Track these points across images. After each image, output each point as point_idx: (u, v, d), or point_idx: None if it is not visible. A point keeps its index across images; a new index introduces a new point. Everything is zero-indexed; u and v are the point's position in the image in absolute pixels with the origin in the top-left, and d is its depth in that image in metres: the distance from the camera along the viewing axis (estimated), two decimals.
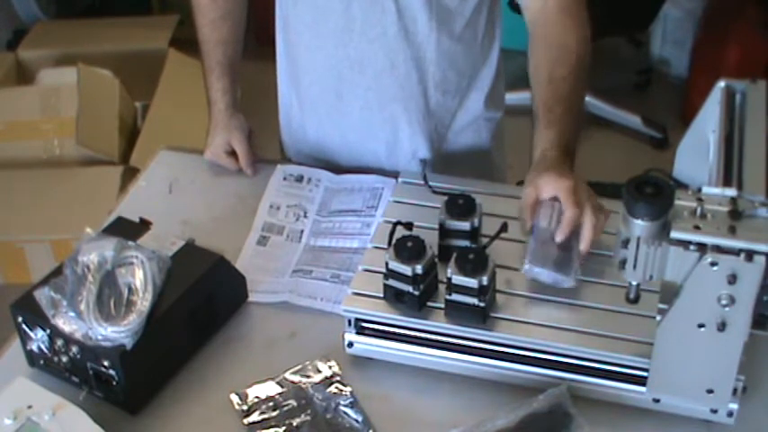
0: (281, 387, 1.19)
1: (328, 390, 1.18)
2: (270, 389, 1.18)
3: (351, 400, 1.16)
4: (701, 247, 0.98)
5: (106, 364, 1.13)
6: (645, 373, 1.10)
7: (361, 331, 1.20)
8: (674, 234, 0.98)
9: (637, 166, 1.33)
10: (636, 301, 1.09)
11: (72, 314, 1.13)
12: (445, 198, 1.26)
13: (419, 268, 1.13)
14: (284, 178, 1.53)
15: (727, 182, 1.09)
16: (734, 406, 1.09)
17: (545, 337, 1.13)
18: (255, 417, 1.15)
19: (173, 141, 1.72)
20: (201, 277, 1.23)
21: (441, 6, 1.39)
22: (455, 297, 1.13)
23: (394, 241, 1.17)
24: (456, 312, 1.15)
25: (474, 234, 1.23)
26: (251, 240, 1.43)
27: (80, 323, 1.12)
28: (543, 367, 1.15)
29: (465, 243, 1.23)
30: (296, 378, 1.19)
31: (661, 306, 1.06)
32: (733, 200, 1.00)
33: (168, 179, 1.59)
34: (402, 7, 1.38)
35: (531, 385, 1.15)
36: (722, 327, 1.01)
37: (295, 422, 1.14)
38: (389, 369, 1.21)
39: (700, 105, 1.27)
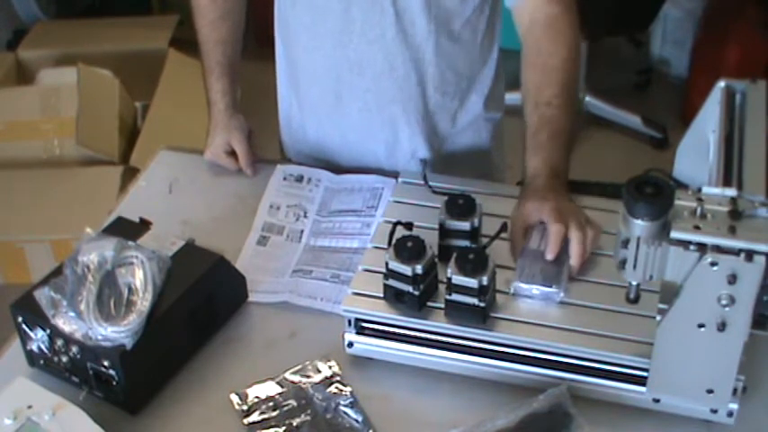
0: (281, 387, 1.19)
1: (328, 390, 1.18)
2: (270, 389, 1.18)
3: (351, 400, 1.16)
4: (701, 247, 0.98)
5: (106, 364, 1.13)
6: (645, 373, 1.10)
7: (361, 331, 1.20)
8: (674, 234, 0.98)
9: (637, 166, 1.33)
10: (636, 301, 1.09)
11: (72, 314, 1.13)
12: (445, 198, 1.26)
13: (419, 268, 1.13)
14: (284, 178, 1.53)
15: (727, 182, 1.09)
16: (734, 406, 1.09)
17: (545, 337, 1.13)
18: (255, 417, 1.15)
19: (173, 141, 1.72)
20: (201, 277, 1.23)
21: (440, 8, 1.39)
22: (455, 297, 1.13)
23: (394, 241, 1.17)
24: (456, 312, 1.15)
25: (474, 234, 1.23)
26: (251, 240, 1.43)
27: (80, 323, 1.12)
28: (543, 367, 1.15)
29: (465, 243, 1.23)
30: (296, 378, 1.19)
31: (661, 306, 1.06)
32: (733, 200, 1.00)
33: (168, 179, 1.59)
34: (401, 9, 1.38)
35: (531, 385, 1.15)
36: (722, 327, 1.01)
37: (295, 422, 1.14)
38: (389, 369, 1.21)
39: (700, 105, 1.27)
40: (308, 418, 1.14)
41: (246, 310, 1.32)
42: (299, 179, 1.52)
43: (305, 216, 1.46)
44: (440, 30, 1.41)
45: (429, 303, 1.17)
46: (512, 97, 1.46)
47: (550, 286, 1.17)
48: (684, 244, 0.98)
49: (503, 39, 1.52)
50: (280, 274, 1.37)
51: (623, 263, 1.04)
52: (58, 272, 1.20)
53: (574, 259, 1.19)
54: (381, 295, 1.18)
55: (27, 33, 3.41)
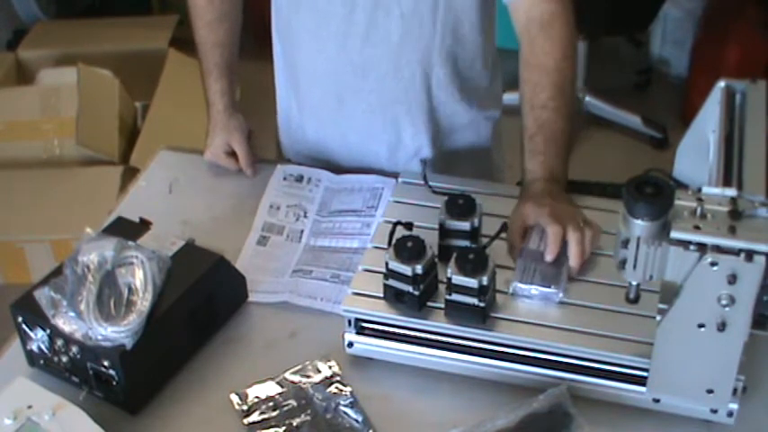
0: (281, 387, 1.19)
1: (328, 390, 1.18)
2: (270, 389, 1.18)
3: (351, 400, 1.16)
4: (701, 247, 0.97)
5: (106, 364, 1.13)
6: (645, 373, 1.10)
7: (361, 331, 1.20)
8: (674, 234, 0.98)
9: (637, 166, 1.33)
10: (636, 301, 1.09)
11: (72, 314, 1.13)
12: (445, 198, 1.26)
13: (419, 268, 1.13)
14: (284, 178, 1.53)
15: (727, 182, 1.09)
16: (734, 406, 1.09)
17: (545, 337, 1.13)
18: (255, 417, 1.15)
19: (173, 141, 1.72)
20: (201, 277, 1.23)
21: (447, 8, 1.39)
22: (455, 297, 1.13)
23: (394, 241, 1.17)
24: (456, 312, 1.15)
25: (474, 234, 1.23)
26: (251, 240, 1.43)
27: (80, 323, 1.12)
28: (543, 367, 1.15)
29: (465, 243, 1.23)
30: (296, 378, 1.19)
31: (661, 306, 1.06)
32: (733, 200, 1.00)
33: (168, 179, 1.59)
34: (407, 11, 1.38)
35: (531, 385, 1.15)
36: (722, 327, 1.01)
37: (295, 422, 1.14)
38: (389, 369, 1.21)
39: (700, 105, 1.27)
40: (308, 418, 1.14)
41: (246, 310, 1.32)
42: (299, 179, 1.52)
43: (305, 216, 1.46)
44: (445, 30, 1.42)
45: (429, 303, 1.17)
46: (511, 97, 1.46)
47: (549, 287, 1.17)
48: (684, 244, 0.98)
49: (503, 39, 1.52)
50: (280, 274, 1.37)
51: (623, 263, 1.04)
52: (58, 272, 1.20)
53: (573, 260, 1.19)
54: (381, 295, 1.18)
55: (27, 33, 3.41)
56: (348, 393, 1.17)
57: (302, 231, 1.44)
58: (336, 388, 1.18)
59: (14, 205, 2.60)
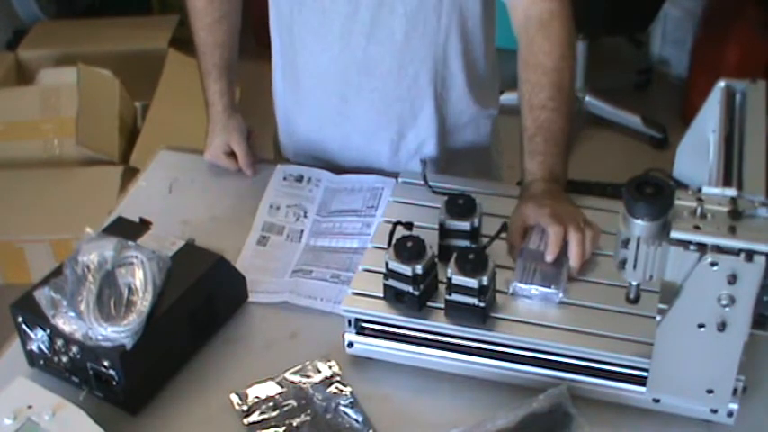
0: (281, 387, 1.19)
1: (328, 390, 1.18)
2: (270, 389, 1.18)
3: (351, 400, 1.16)
4: (701, 247, 0.97)
5: (106, 364, 1.13)
6: (645, 373, 1.10)
7: (361, 331, 1.20)
8: (674, 234, 0.98)
9: (637, 166, 1.33)
10: (636, 301, 1.09)
11: (72, 314, 1.13)
12: (445, 198, 1.26)
13: (419, 268, 1.13)
14: (284, 178, 1.53)
15: (727, 182, 1.09)
16: (734, 406, 1.09)
17: (545, 337, 1.13)
18: (255, 417, 1.15)
19: (173, 141, 1.72)
20: (201, 277, 1.23)
21: (451, 6, 1.39)
22: (455, 297, 1.13)
23: (394, 241, 1.17)
24: (456, 312, 1.15)
25: (474, 234, 1.23)
26: (251, 240, 1.43)
27: (80, 323, 1.12)
28: (543, 367, 1.15)
29: (465, 243, 1.23)
30: (296, 378, 1.19)
31: (661, 306, 1.06)
32: (733, 200, 1.00)
33: (168, 179, 1.59)
34: (411, 9, 1.38)
35: (531, 385, 1.15)
36: (722, 327, 1.01)
37: (295, 422, 1.14)
38: (389, 369, 1.21)
39: (700, 105, 1.27)
40: (308, 418, 1.14)
41: (246, 310, 1.32)
42: (299, 179, 1.52)
43: (305, 216, 1.46)
44: (450, 27, 1.42)
45: (429, 303, 1.17)
46: (510, 97, 1.46)
47: (549, 287, 1.17)
48: (684, 244, 0.98)
49: (502, 39, 1.52)
50: (280, 274, 1.37)
51: (623, 263, 1.04)
52: (58, 272, 1.20)
53: (573, 260, 1.19)
54: (381, 295, 1.18)
55: (27, 33, 3.41)
56: (348, 393, 1.17)
57: (302, 231, 1.44)
58: (336, 388, 1.18)
59: (14, 205, 2.60)
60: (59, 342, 1.16)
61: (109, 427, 1.08)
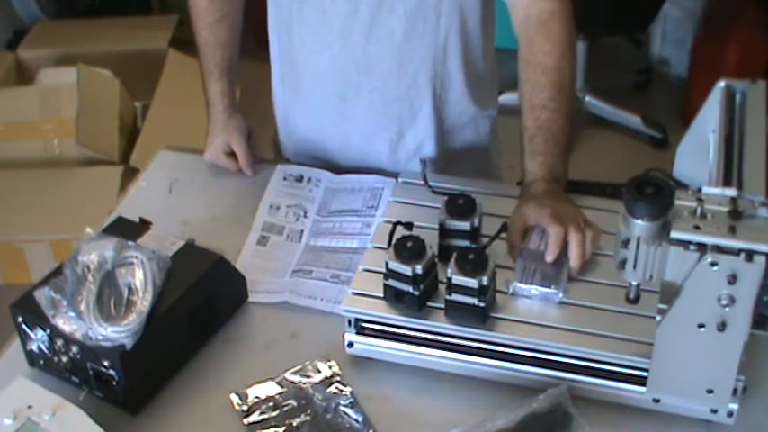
0: (281, 387, 1.19)
1: (328, 390, 1.18)
2: (270, 389, 1.18)
3: (351, 400, 1.16)
4: (701, 247, 0.97)
5: (106, 364, 1.13)
6: (645, 373, 1.10)
7: (361, 331, 1.20)
8: (674, 234, 0.98)
9: (637, 166, 1.33)
10: (636, 301, 1.09)
11: (72, 314, 1.13)
12: (445, 198, 1.26)
13: (419, 268, 1.13)
14: (284, 178, 1.53)
15: (727, 182, 1.09)
16: (734, 406, 1.09)
17: (545, 337, 1.13)
18: (255, 417, 1.15)
19: (173, 141, 1.72)
20: (201, 277, 1.23)
21: (451, 6, 1.40)
22: (455, 297, 1.13)
23: (394, 241, 1.17)
24: (456, 312, 1.15)
25: (474, 234, 1.23)
26: (251, 240, 1.43)
27: (80, 323, 1.12)
28: (543, 367, 1.15)
29: (465, 243, 1.23)
30: (296, 378, 1.19)
31: (661, 306, 1.06)
32: (733, 200, 1.00)
33: (168, 179, 1.59)
34: (410, 8, 1.38)
35: (531, 385, 1.15)
36: (722, 327, 1.01)
37: (295, 422, 1.14)
38: (389, 369, 1.21)
39: (700, 105, 1.27)
40: (308, 418, 1.14)
41: (246, 310, 1.32)
42: (299, 179, 1.53)
43: (305, 216, 1.46)
44: (450, 27, 1.42)
45: (429, 303, 1.17)
46: (510, 97, 1.46)
47: (549, 287, 1.17)
48: (684, 244, 0.98)
49: (502, 39, 1.53)
50: (280, 274, 1.37)
51: (623, 263, 1.04)
52: (58, 272, 1.20)
53: (573, 261, 1.19)
54: (381, 295, 1.18)
55: (27, 33, 3.41)
56: (348, 393, 1.17)
57: (302, 231, 1.44)
58: (336, 388, 1.18)
59: (14, 205, 2.60)
60: (59, 342, 1.16)
61: (109, 427, 1.08)
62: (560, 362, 1.14)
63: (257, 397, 1.18)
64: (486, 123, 1.58)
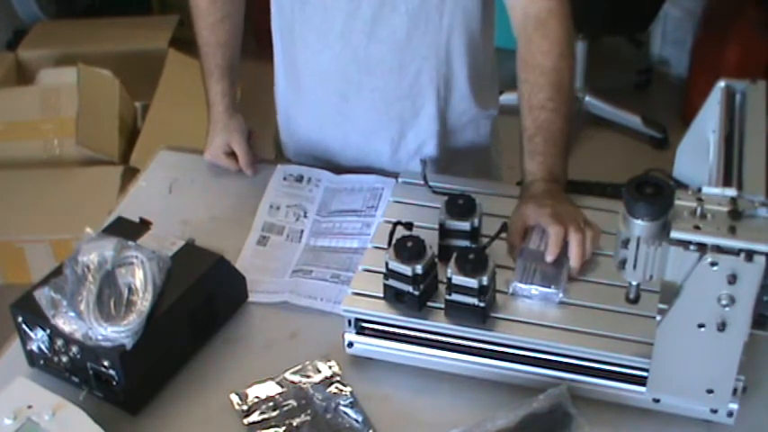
0: (281, 387, 1.19)
1: (328, 390, 1.18)
2: (270, 389, 1.18)
3: (351, 400, 1.16)
4: (701, 247, 0.97)
5: (106, 364, 1.13)
6: (645, 373, 1.10)
7: (361, 331, 1.20)
8: (674, 234, 0.98)
9: (637, 166, 1.33)
10: (636, 301, 1.09)
11: (72, 314, 1.13)
12: (445, 198, 1.26)
13: (419, 268, 1.13)
14: (284, 178, 1.53)
15: (727, 182, 1.09)
16: (734, 406, 1.09)
17: (545, 337, 1.13)
18: (255, 417, 1.15)
19: (173, 141, 1.72)
20: (201, 277, 1.23)
21: (453, 5, 1.40)
22: (455, 297, 1.13)
23: (394, 241, 1.17)
24: (456, 312, 1.15)
25: (474, 234, 1.23)
26: (251, 240, 1.43)
27: (80, 323, 1.12)
28: (543, 367, 1.15)
29: (465, 243, 1.23)
30: (296, 378, 1.19)
31: (661, 306, 1.06)
32: (733, 200, 1.00)
33: (168, 179, 1.59)
34: (412, 7, 1.38)
35: (531, 385, 1.15)
36: (722, 327, 1.01)
37: (295, 422, 1.14)
38: (389, 369, 1.21)
39: (700, 105, 1.27)
40: (308, 418, 1.14)
41: (246, 310, 1.32)
42: (299, 179, 1.53)
43: (305, 216, 1.46)
44: (452, 26, 1.42)
45: (429, 303, 1.17)
46: (510, 97, 1.46)
47: (549, 287, 1.17)
48: (684, 244, 0.98)
49: (502, 39, 1.53)
50: (280, 274, 1.37)
51: (623, 263, 1.04)
52: (58, 272, 1.20)
53: (573, 261, 1.19)
54: (381, 295, 1.18)
55: (27, 33, 3.41)
56: (348, 393, 1.17)
57: (302, 231, 1.44)
58: (336, 388, 1.18)
59: (14, 205, 2.60)
60: (59, 342, 1.16)
61: (109, 427, 1.08)
62: (560, 362, 1.14)
63: (257, 397, 1.18)
64: (486, 123, 1.58)
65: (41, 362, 1.21)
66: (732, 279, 0.97)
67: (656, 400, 1.12)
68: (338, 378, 1.19)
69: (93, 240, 1.21)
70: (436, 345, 1.18)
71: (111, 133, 2.79)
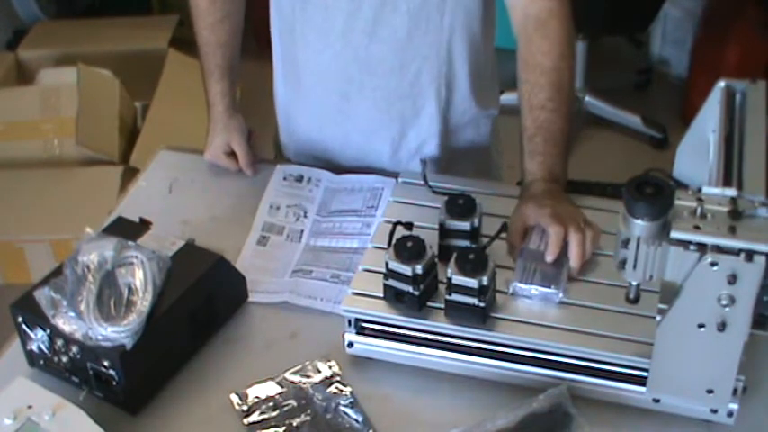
0: (281, 387, 1.19)
1: (328, 390, 1.18)
2: (270, 389, 1.18)
3: (351, 400, 1.16)
4: (701, 247, 0.97)
5: (106, 364, 1.13)
6: (645, 373, 1.10)
7: (361, 331, 1.20)
8: (674, 234, 0.98)
9: (637, 166, 1.33)
10: (636, 301, 1.09)
11: (72, 314, 1.13)
12: (445, 198, 1.26)
13: (419, 268, 1.13)
14: (284, 178, 1.53)
15: (727, 182, 1.09)
16: (734, 406, 1.09)
17: (545, 337, 1.13)
18: (255, 417, 1.15)
19: (173, 141, 1.72)
20: (201, 277, 1.23)
21: (454, 4, 1.40)
22: (455, 297, 1.13)
23: (394, 241, 1.17)
24: (456, 312, 1.15)
25: (474, 234, 1.23)
26: (251, 240, 1.43)
27: (80, 323, 1.12)
28: (543, 367, 1.15)
29: (465, 243, 1.23)
30: (296, 378, 1.19)
31: (661, 306, 1.06)
32: (733, 200, 1.00)
33: (168, 179, 1.59)
34: (414, 7, 1.38)
35: (531, 385, 1.15)
36: (722, 327, 1.01)
37: (295, 422, 1.14)
38: (389, 369, 1.21)
39: (700, 105, 1.27)
40: (308, 418, 1.14)
41: (246, 310, 1.32)
42: (299, 179, 1.53)
43: (305, 216, 1.46)
44: (453, 25, 1.42)
45: (429, 303, 1.17)
46: (510, 97, 1.47)
47: (549, 287, 1.17)
48: (684, 244, 0.98)
49: (502, 39, 1.53)
50: (280, 274, 1.37)
51: (623, 263, 1.04)
52: (58, 272, 1.20)
53: (573, 261, 1.19)
54: (381, 295, 1.18)
55: (27, 33, 3.41)
56: (348, 393, 1.17)
57: (302, 231, 1.44)
58: (336, 388, 1.18)
59: (14, 205, 2.60)
60: (59, 342, 1.16)
61: (109, 427, 1.08)
62: (560, 362, 1.14)
63: (257, 397, 1.18)
64: (487, 123, 1.58)
65: (41, 362, 1.21)
66: (732, 279, 0.97)
67: (656, 400, 1.12)
68: (338, 378, 1.19)
69: (93, 240, 1.21)
70: (436, 345, 1.18)
71: (111, 133, 2.79)
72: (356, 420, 1.14)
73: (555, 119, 1.31)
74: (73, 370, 1.17)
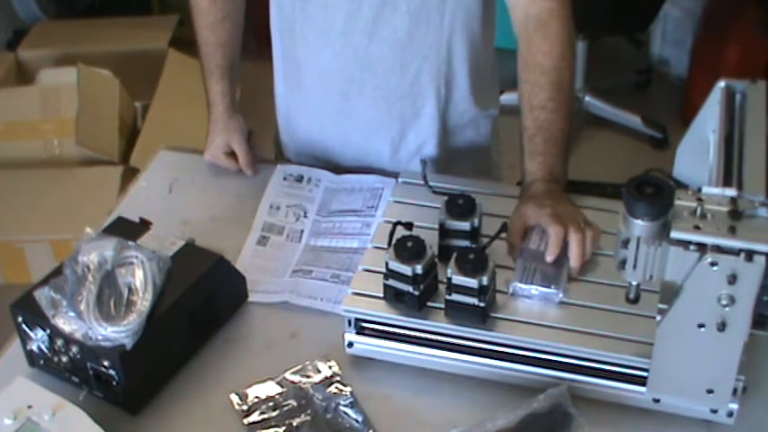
0: (281, 387, 1.19)
1: (328, 390, 1.18)
2: (270, 389, 1.18)
3: (351, 400, 1.16)
4: (701, 247, 0.97)
5: (106, 364, 1.13)
6: (645, 373, 1.10)
7: (361, 331, 1.20)
8: (674, 234, 0.98)
9: (637, 166, 1.33)
10: (636, 301, 1.09)
11: (72, 314, 1.13)
12: (445, 198, 1.26)
13: (419, 268, 1.13)
14: (284, 178, 1.53)
15: (727, 182, 1.09)
16: (734, 406, 1.09)
17: (545, 337, 1.13)
18: (255, 417, 1.15)
19: (173, 141, 1.72)
20: (201, 277, 1.23)
21: (454, 4, 1.40)
22: (455, 297, 1.13)
23: (394, 241, 1.17)
24: (456, 312, 1.15)
25: (474, 234, 1.23)
26: (251, 240, 1.43)
27: (80, 323, 1.12)
28: (543, 367, 1.15)
29: (465, 243, 1.23)
30: (296, 378, 1.19)
31: (661, 306, 1.06)
32: (733, 200, 1.00)
33: (168, 179, 1.59)
34: (414, 7, 1.38)
35: (531, 385, 1.15)
36: (722, 327, 1.01)
37: (295, 422, 1.14)
38: (389, 369, 1.21)
39: (700, 105, 1.27)
40: (308, 418, 1.14)
41: (246, 310, 1.32)
42: (299, 179, 1.53)
43: (305, 216, 1.46)
44: (453, 25, 1.42)
45: (429, 303, 1.17)
46: (510, 97, 1.47)
47: (549, 287, 1.17)
48: (684, 244, 0.98)
49: (502, 39, 1.53)
50: (280, 274, 1.37)
51: (623, 263, 1.04)
52: (58, 272, 1.20)
53: (573, 261, 1.19)
54: (381, 295, 1.18)
55: (27, 33, 3.41)
56: (348, 393, 1.17)
57: (302, 231, 1.44)
58: (336, 388, 1.18)
59: (14, 205, 2.60)
60: (59, 342, 1.16)
61: (109, 427, 1.08)
62: (560, 362, 1.14)
63: (257, 397, 1.18)
64: (487, 123, 1.58)
65: (41, 362, 1.21)
66: (732, 279, 0.97)
67: (656, 400, 1.12)
68: (338, 378, 1.19)
69: (93, 240, 1.21)
70: (436, 345, 1.18)
71: (111, 133, 2.79)
72: (356, 420, 1.14)
73: (555, 119, 1.31)
74: (73, 370, 1.17)
